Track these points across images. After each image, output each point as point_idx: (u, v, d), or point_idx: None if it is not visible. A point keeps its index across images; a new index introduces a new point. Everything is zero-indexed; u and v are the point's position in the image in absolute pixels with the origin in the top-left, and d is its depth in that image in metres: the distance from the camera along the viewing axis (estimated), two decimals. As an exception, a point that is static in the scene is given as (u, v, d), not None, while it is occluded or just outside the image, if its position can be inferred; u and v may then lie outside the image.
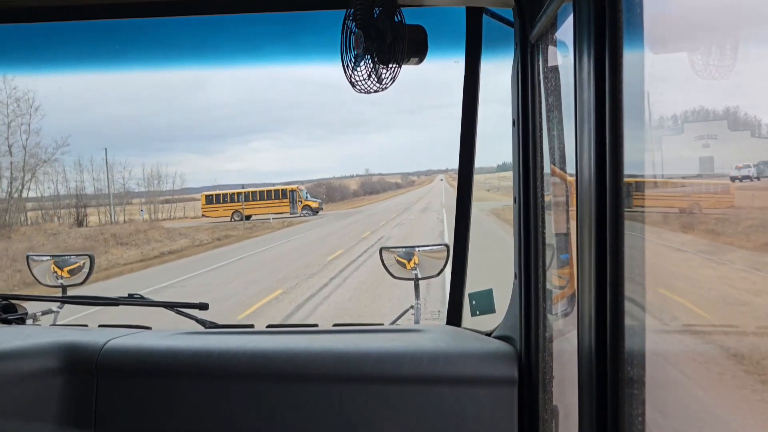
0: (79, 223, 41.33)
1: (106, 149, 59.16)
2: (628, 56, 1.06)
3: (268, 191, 50.01)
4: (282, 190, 50.07)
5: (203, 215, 48.49)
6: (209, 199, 49.69)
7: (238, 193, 49.27)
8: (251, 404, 2.03)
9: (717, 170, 1.33)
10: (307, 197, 49.18)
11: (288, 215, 47.22)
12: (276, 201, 48.45)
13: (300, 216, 46.81)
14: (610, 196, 1.08)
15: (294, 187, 50.51)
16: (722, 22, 1.15)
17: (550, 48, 1.73)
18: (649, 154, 1.25)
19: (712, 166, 1.34)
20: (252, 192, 49.87)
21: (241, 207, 46.74)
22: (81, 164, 52.13)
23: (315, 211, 48.42)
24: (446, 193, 64.98)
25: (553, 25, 1.63)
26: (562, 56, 1.68)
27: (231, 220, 45.10)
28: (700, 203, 1.52)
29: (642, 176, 1.24)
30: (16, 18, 2.19)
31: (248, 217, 45.47)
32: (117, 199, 51.48)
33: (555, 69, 1.74)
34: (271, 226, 38.38)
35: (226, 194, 49.76)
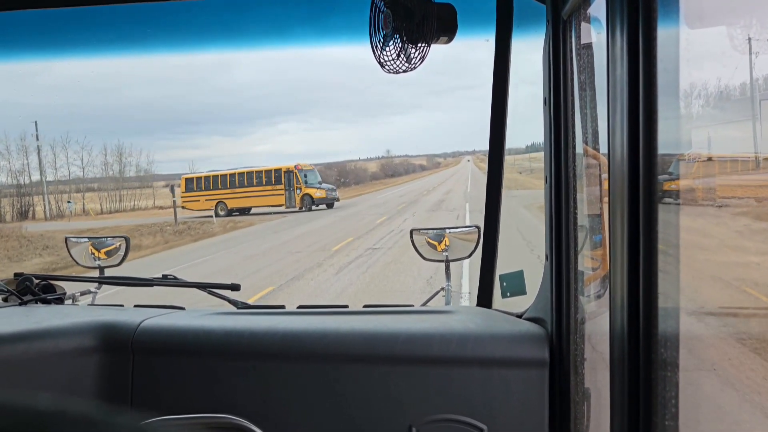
0: (23, 214, 36.36)
1: (36, 122, 43.89)
2: (663, 31, 1.03)
3: (258, 173, 34.68)
4: (275, 170, 34.39)
5: (183, 206, 34.38)
6: (189, 185, 35.65)
7: (222, 176, 34.95)
8: (282, 383, 2.06)
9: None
10: (306, 182, 33.70)
11: (284, 209, 33.05)
12: (268, 188, 34.09)
13: (300, 211, 32.68)
14: (643, 176, 1.05)
15: (291, 166, 34.00)
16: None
17: (583, 24, 1.69)
18: (695, 132, 1.18)
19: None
20: (239, 174, 35.07)
21: (226, 195, 34.08)
22: (26, 146, 42.18)
23: (327, 203, 33.72)
24: (473, 177, 52.60)
25: (586, 0, 1.59)
26: (595, 33, 1.63)
27: (215, 215, 32.16)
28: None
29: (675, 155, 1.20)
30: (43, 3, 2.22)
31: (244, 211, 33.25)
32: (73, 185, 42.65)
33: (588, 46, 1.70)
34: (212, 231, 26.10)
35: (209, 177, 35.41)
